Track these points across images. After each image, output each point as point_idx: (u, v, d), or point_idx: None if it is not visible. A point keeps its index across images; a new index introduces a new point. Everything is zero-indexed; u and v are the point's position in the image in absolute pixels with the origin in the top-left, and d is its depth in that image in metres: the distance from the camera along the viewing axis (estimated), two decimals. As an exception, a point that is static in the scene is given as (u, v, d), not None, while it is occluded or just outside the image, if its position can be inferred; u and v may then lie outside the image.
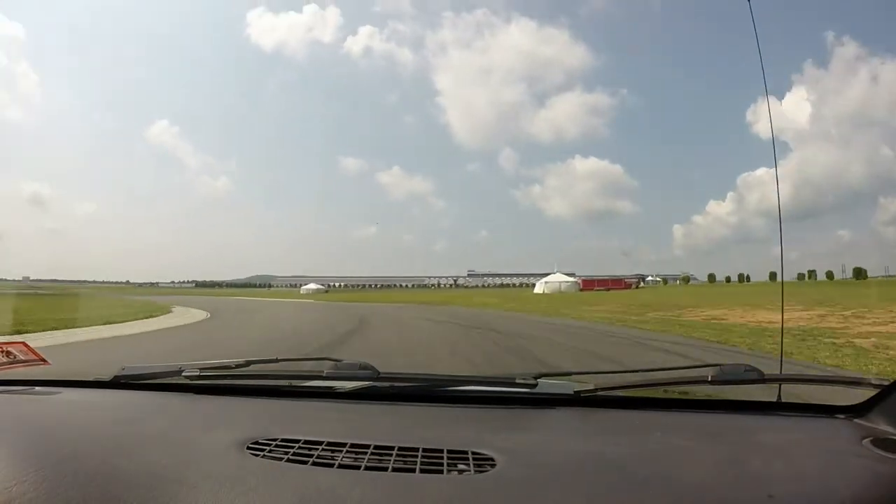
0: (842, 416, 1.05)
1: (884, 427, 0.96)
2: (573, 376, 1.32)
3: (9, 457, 0.80)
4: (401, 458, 0.81)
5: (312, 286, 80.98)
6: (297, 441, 0.87)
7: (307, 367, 1.48)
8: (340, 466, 0.79)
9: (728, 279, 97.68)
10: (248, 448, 0.85)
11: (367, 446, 0.85)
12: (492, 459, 0.81)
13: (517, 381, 1.19)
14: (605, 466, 0.82)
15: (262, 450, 0.84)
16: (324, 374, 1.28)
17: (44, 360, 1.45)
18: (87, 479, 0.72)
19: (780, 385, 1.18)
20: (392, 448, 0.85)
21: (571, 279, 57.15)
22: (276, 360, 1.49)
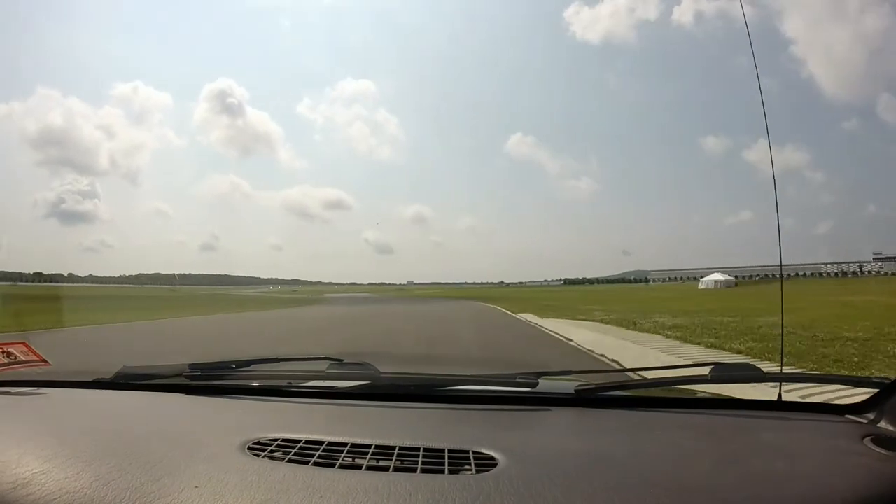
0: (842, 415, 1.05)
1: (884, 426, 0.96)
2: (573, 375, 1.32)
3: (10, 458, 0.80)
4: (402, 458, 0.82)
5: (718, 277, 60.90)
6: (299, 441, 0.87)
7: (308, 366, 1.48)
8: (341, 466, 0.79)
9: None
10: (250, 448, 0.85)
11: (369, 446, 0.85)
12: (493, 459, 0.81)
13: (518, 380, 1.19)
14: (606, 465, 0.82)
15: (263, 450, 0.84)
16: (324, 374, 1.28)
17: (44, 360, 1.45)
18: (89, 480, 0.72)
19: (780, 384, 1.18)
20: (393, 448, 0.85)
21: None
22: (277, 360, 1.49)
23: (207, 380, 1.31)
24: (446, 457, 0.82)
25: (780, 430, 1.02)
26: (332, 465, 0.79)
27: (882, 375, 1.06)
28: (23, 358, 1.41)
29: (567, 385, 1.19)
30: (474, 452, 0.83)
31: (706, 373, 1.16)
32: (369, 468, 0.79)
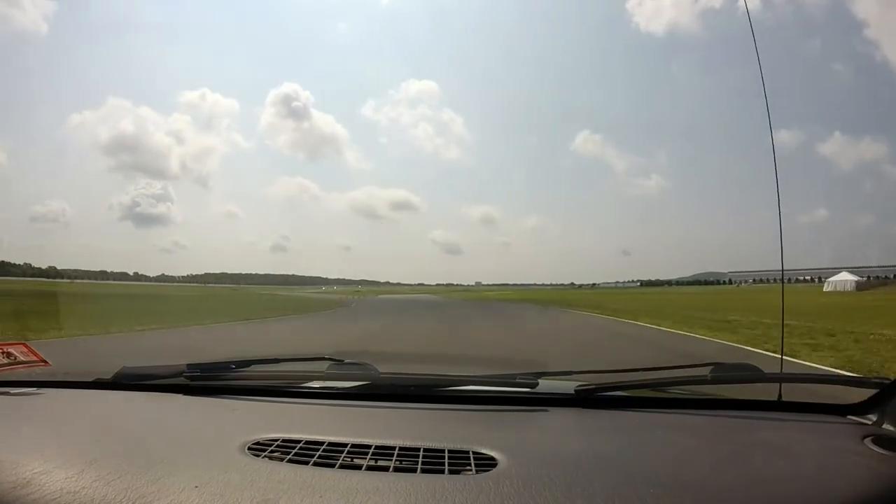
0: (842, 415, 1.05)
1: (884, 426, 0.96)
2: (573, 375, 1.32)
3: (10, 459, 0.80)
4: (402, 458, 0.82)
5: (849, 276, 49.46)
6: (299, 441, 0.87)
7: (308, 367, 1.48)
8: (342, 467, 0.79)
9: None
10: (250, 449, 0.85)
11: (369, 446, 0.85)
12: (493, 459, 0.81)
13: (518, 380, 1.20)
14: (606, 466, 0.82)
15: (264, 450, 0.84)
16: (324, 374, 1.28)
17: (44, 360, 1.45)
18: (89, 480, 0.72)
19: (780, 384, 1.18)
20: (393, 448, 0.85)
21: None
22: (277, 360, 1.49)
23: (207, 380, 1.31)
24: (446, 457, 0.82)
25: (780, 430, 1.02)
26: (332, 466, 0.79)
27: (882, 376, 1.06)
28: (23, 358, 1.41)
29: (567, 385, 1.19)
30: (474, 453, 0.83)
31: (706, 373, 1.16)
32: (369, 468, 0.79)
